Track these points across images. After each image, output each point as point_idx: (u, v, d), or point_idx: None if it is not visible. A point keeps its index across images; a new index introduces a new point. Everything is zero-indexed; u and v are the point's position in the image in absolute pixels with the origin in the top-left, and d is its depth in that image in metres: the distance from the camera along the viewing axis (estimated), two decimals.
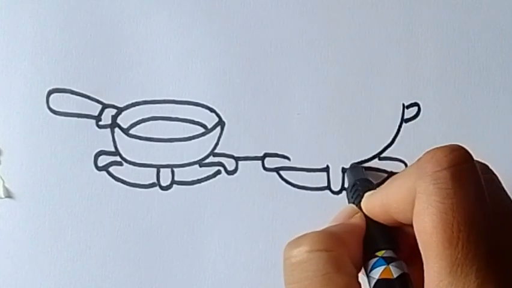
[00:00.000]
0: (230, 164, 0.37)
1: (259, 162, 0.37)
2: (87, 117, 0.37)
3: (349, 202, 0.35)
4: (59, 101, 0.37)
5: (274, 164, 0.37)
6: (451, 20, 0.38)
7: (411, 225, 0.26)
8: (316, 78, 0.37)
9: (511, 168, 0.37)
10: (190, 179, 0.37)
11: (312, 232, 0.28)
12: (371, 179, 0.35)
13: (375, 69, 0.37)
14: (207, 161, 0.37)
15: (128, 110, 0.37)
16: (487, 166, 0.30)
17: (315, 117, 0.37)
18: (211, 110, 0.37)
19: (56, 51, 0.37)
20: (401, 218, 0.28)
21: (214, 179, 0.37)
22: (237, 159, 0.37)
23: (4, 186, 0.37)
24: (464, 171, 0.25)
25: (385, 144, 0.37)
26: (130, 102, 0.37)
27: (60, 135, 0.37)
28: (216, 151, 0.37)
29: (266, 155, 0.37)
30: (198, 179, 0.37)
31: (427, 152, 0.26)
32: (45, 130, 0.37)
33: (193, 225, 0.37)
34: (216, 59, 0.37)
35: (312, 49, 0.37)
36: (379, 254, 0.29)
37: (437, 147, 0.26)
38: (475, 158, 0.26)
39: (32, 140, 0.37)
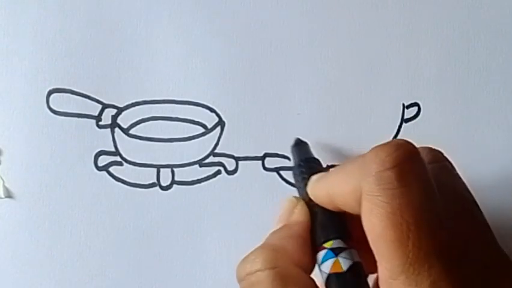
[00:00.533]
0: (230, 164, 0.37)
1: (259, 162, 0.37)
2: (87, 117, 0.37)
3: (296, 185, 0.34)
4: (59, 101, 0.37)
5: (274, 164, 0.37)
6: (451, 20, 0.38)
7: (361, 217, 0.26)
8: (317, 78, 0.37)
9: (511, 168, 0.37)
10: (190, 179, 0.37)
11: (256, 249, 0.29)
12: None
13: (375, 69, 0.37)
14: (207, 161, 0.37)
15: (128, 110, 0.37)
16: (440, 153, 0.30)
17: (315, 117, 0.37)
18: (211, 110, 0.37)
19: (56, 51, 0.37)
20: (348, 210, 0.27)
21: (214, 179, 0.37)
22: (237, 159, 0.37)
23: (4, 186, 0.37)
24: (408, 169, 0.25)
25: None
26: (130, 102, 0.37)
27: (60, 135, 0.37)
28: (216, 151, 0.37)
29: (266, 155, 0.37)
30: (198, 179, 0.37)
31: (371, 150, 0.26)
32: (46, 130, 0.37)
33: (193, 225, 0.37)
34: (216, 59, 0.37)
35: (312, 49, 0.37)
36: (327, 245, 0.28)
37: (381, 145, 0.25)
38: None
39: (32, 140, 0.37)
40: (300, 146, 0.36)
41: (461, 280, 0.24)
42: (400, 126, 0.37)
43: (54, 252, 0.37)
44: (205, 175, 0.37)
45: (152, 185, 0.37)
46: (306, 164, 0.33)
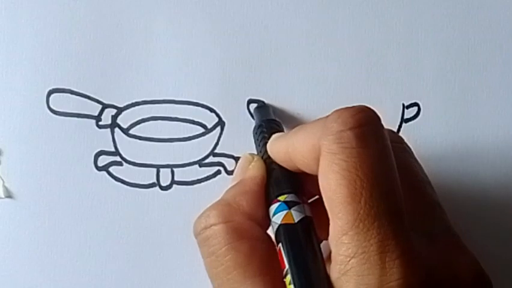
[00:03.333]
0: (230, 164, 0.37)
1: None
2: (87, 117, 0.37)
3: (255, 144, 0.34)
4: (59, 101, 0.37)
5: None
6: (451, 20, 0.38)
7: (317, 177, 0.26)
8: (317, 78, 0.37)
9: (511, 168, 0.37)
10: (190, 179, 0.37)
11: (212, 205, 0.30)
12: None
13: (375, 69, 0.37)
14: (207, 161, 0.37)
15: (128, 110, 0.37)
16: (400, 137, 0.31)
17: (315, 117, 0.37)
18: (211, 110, 0.37)
19: (56, 51, 0.37)
20: (306, 169, 0.28)
21: (214, 179, 0.37)
22: (237, 159, 0.37)
23: (4, 186, 0.37)
24: (369, 131, 0.25)
25: None
26: (130, 102, 0.37)
27: (60, 135, 0.37)
28: (216, 151, 0.37)
29: None
30: (198, 179, 0.37)
31: (334, 111, 0.27)
32: (46, 130, 0.37)
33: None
34: (216, 59, 0.37)
35: (312, 49, 0.37)
36: (281, 198, 0.29)
37: (344, 107, 0.26)
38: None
39: (32, 140, 0.37)
40: (262, 108, 0.36)
41: (408, 244, 0.24)
42: (400, 126, 0.37)
43: (54, 252, 0.37)
44: (205, 175, 0.37)
45: (152, 185, 0.37)
46: (267, 124, 0.34)
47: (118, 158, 0.37)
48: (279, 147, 0.30)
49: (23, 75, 0.37)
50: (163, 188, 0.37)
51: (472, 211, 0.37)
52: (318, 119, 0.28)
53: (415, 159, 0.30)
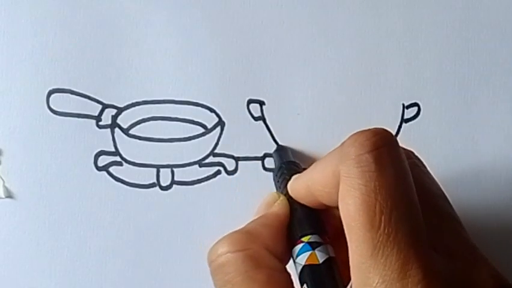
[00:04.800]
0: (230, 164, 0.37)
1: (259, 162, 0.37)
2: (87, 117, 0.37)
3: (275, 186, 0.34)
4: (59, 101, 0.37)
5: (274, 164, 0.37)
6: (451, 20, 0.38)
7: (337, 208, 0.26)
8: (317, 78, 0.37)
9: (511, 169, 0.37)
10: (190, 179, 0.37)
11: (229, 234, 0.29)
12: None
13: (375, 69, 0.37)
14: (207, 161, 0.37)
15: (128, 110, 0.37)
16: (411, 152, 0.30)
17: (315, 117, 0.37)
18: (211, 110, 0.37)
19: (56, 51, 0.37)
20: (327, 200, 0.28)
21: (214, 179, 0.37)
22: (237, 159, 0.37)
23: (4, 186, 0.37)
24: (386, 153, 0.25)
25: None
26: (130, 102, 0.37)
27: (60, 135, 0.37)
28: (216, 151, 0.37)
29: (266, 155, 0.37)
30: (198, 179, 0.37)
31: (350, 136, 0.26)
32: (46, 130, 0.37)
33: (193, 225, 0.37)
34: (216, 59, 0.37)
35: (312, 49, 0.37)
36: (304, 239, 0.29)
37: (360, 131, 0.26)
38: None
39: (33, 140, 0.37)
40: (281, 150, 0.37)
41: (429, 266, 0.24)
42: (400, 126, 0.37)
43: (55, 252, 0.37)
44: (205, 175, 0.37)
45: (152, 185, 0.37)
46: (288, 165, 0.34)
47: (118, 158, 0.37)
48: (300, 183, 0.30)
49: (23, 75, 0.37)
50: (163, 188, 0.37)
51: (471, 211, 0.37)
52: (335, 148, 0.27)
53: (428, 173, 0.30)
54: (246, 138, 0.37)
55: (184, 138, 0.37)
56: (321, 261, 0.27)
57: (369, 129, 0.26)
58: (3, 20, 0.37)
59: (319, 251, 0.28)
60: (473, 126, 0.37)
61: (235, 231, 0.29)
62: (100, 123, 0.37)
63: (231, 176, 0.37)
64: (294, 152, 0.37)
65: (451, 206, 0.29)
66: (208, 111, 0.37)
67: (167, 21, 0.37)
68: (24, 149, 0.37)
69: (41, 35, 0.37)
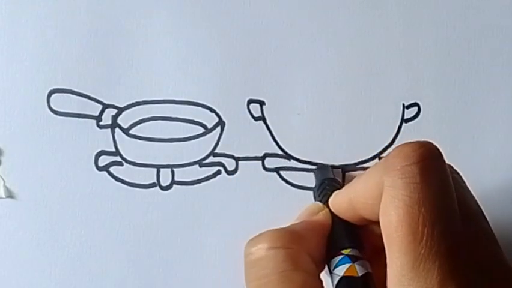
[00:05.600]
0: (230, 164, 0.37)
1: (259, 162, 0.37)
2: (87, 117, 0.37)
3: (315, 200, 0.35)
4: (59, 101, 0.37)
5: (274, 164, 0.37)
6: (451, 20, 0.38)
7: (377, 223, 0.26)
8: (317, 78, 0.37)
9: (511, 169, 0.37)
10: (190, 179, 0.37)
11: (271, 230, 0.28)
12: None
13: (375, 69, 0.37)
14: (207, 161, 0.37)
15: (128, 110, 0.37)
16: (451, 166, 0.30)
17: (315, 117, 0.37)
18: (211, 110, 0.37)
19: (56, 51, 0.37)
20: (368, 214, 0.27)
21: (214, 179, 0.37)
22: (237, 159, 0.37)
23: (5, 186, 0.37)
24: (431, 166, 0.25)
25: (385, 144, 0.37)
26: (130, 102, 0.37)
27: (61, 135, 0.37)
28: (216, 151, 0.37)
29: (266, 155, 0.37)
30: (198, 179, 0.37)
31: (396, 147, 0.26)
32: (46, 130, 0.37)
33: (193, 225, 0.37)
34: (216, 59, 0.37)
35: (312, 49, 0.37)
36: (344, 252, 0.29)
37: (406, 142, 0.26)
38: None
39: (33, 140, 0.37)
40: (323, 168, 0.37)
41: (466, 283, 0.24)
42: (400, 126, 0.37)
43: (55, 252, 0.37)
44: (205, 175, 0.37)
45: (152, 185, 0.37)
46: (329, 182, 0.34)
47: (118, 158, 0.37)
48: (341, 198, 0.30)
49: (24, 75, 0.37)
50: (163, 188, 0.37)
51: None
52: (379, 161, 0.27)
53: (467, 188, 0.30)
54: (246, 138, 0.37)
55: (184, 138, 0.37)
56: (360, 274, 0.27)
57: (415, 141, 0.26)
58: (3, 20, 0.37)
59: (358, 264, 0.28)
60: (473, 126, 0.37)
61: (279, 229, 0.29)
62: (101, 123, 0.37)
63: (231, 176, 0.37)
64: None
65: (488, 224, 0.28)
66: (208, 111, 0.37)
67: (168, 21, 0.37)
68: (24, 149, 0.37)
69: (41, 35, 0.37)
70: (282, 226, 0.30)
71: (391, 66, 0.37)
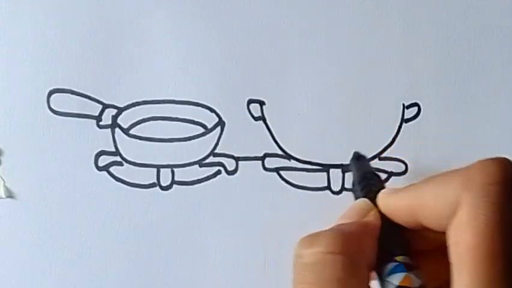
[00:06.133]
0: (230, 164, 0.37)
1: (259, 162, 0.37)
2: (87, 117, 0.37)
3: (357, 195, 0.33)
4: (59, 101, 0.37)
5: (274, 164, 0.37)
6: (451, 20, 0.38)
7: (431, 231, 0.25)
8: (317, 78, 0.37)
9: None
10: (190, 179, 0.37)
11: (327, 231, 0.27)
12: None
13: (375, 69, 0.37)
14: (207, 161, 0.37)
15: (128, 110, 0.37)
16: None
17: (315, 117, 0.37)
18: (211, 110, 0.37)
19: (56, 51, 0.37)
20: (432, 224, 0.26)
21: (214, 179, 0.37)
22: (237, 159, 0.37)
23: (5, 186, 0.37)
24: None
25: (385, 144, 0.37)
26: (130, 102, 0.37)
27: (61, 135, 0.37)
28: (216, 151, 0.37)
29: (266, 155, 0.37)
30: (198, 179, 0.37)
31: (477, 162, 0.25)
32: (46, 130, 0.37)
33: (193, 225, 0.37)
34: (216, 59, 0.37)
35: (312, 49, 0.37)
36: (398, 259, 0.27)
37: (488, 158, 0.25)
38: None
39: (33, 140, 0.37)
40: (361, 159, 0.36)
41: None
42: (400, 126, 0.37)
43: (55, 252, 0.37)
44: (205, 175, 0.37)
45: (152, 185, 0.37)
46: (373, 177, 0.33)
47: (118, 158, 0.37)
48: (400, 202, 0.28)
49: (23, 75, 0.37)
50: (163, 188, 0.37)
51: None
52: (452, 171, 0.26)
53: None
54: (246, 138, 0.37)
55: (184, 138, 0.37)
56: (416, 286, 0.26)
57: (497, 158, 0.25)
58: (3, 20, 0.37)
59: (414, 274, 0.27)
60: (473, 126, 0.37)
61: (335, 231, 0.27)
62: (101, 123, 0.37)
63: (231, 176, 0.37)
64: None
65: None
66: (208, 111, 0.37)
67: (168, 21, 0.37)
68: (24, 149, 0.37)
69: (41, 35, 0.37)
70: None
71: (391, 66, 0.37)
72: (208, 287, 0.37)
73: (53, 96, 0.37)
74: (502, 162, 0.25)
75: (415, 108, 0.37)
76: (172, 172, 0.37)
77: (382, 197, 0.29)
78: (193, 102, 0.37)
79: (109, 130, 0.37)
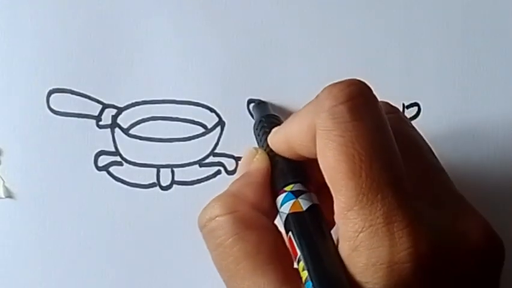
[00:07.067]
0: (230, 164, 0.37)
1: None
2: (87, 117, 0.37)
3: (257, 140, 0.34)
4: (59, 101, 0.37)
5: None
6: (450, 20, 0.38)
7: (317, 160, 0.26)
8: (317, 78, 0.37)
9: (511, 168, 0.37)
10: (190, 179, 0.37)
11: (216, 197, 0.29)
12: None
13: (375, 69, 0.37)
14: (207, 161, 0.37)
15: (128, 110, 0.37)
16: (395, 107, 0.31)
17: None
18: (211, 110, 0.37)
19: (56, 51, 0.37)
20: (306, 153, 0.28)
21: (214, 179, 0.37)
22: (237, 159, 0.37)
23: (4, 186, 0.37)
24: (361, 104, 0.25)
25: None
26: (130, 102, 0.37)
27: (60, 135, 0.37)
28: (216, 151, 0.37)
29: None
30: (198, 179, 0.37)
31: (324, 89, 0.26)
32: (46, 130, 0.37)
33: (193, 225, 0.37)
34: (216, 59, 0.37)
35: (312, 49, 0.37)
36: (287, 188, 0.29)
37: (334, 83, 0.26)
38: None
39: (33, 140, 0.37)
40: (261, 104, 0.36)
41: (415, 212, 0.24)
42: None
43: (55, 252, 0.37)
44: (205, 175, 0.37)
45: (152, 185, 0.37)
46: (267, 119, 0.34)
47: (118, 158, 0.37)
48: (279, 137, 0.30)
49: (23, 75, 0.37)
50: (163, 188, 0.37)
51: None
52: (310, 101, 0.27)
53: (413, 127, 0.30)
54: (246, 138, 0.37)
55: (184, 138, 0.37)
56: (304, 209, 0.27)
57: (343, 81, 0.26)
58: (3, 20, 0.37)
59: (302, 198, 0.28)
60: (473, 126, 0.37)
61: (222, 194, 0.29)
62: (100, 123, 0.37)
63: (231, 176, 0.37)
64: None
65: (436, 158, 0.29)
66: (208, 111, 0.37)
67: (168, 21, 0.37)
68: (24, 149, 0.37)
69: (41, 35, 0.37)
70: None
71: (391, 66, 0.37)
72: (208, 287, 0.37)
73: (52, 96, 0.37)
74: (346, 83, 0.26)
75: (415, 108, 0.37)
76: (172, 172, 0.37)
77: (269, 137, 0.31)
78: (193, 102, 0.37)
79: (108, 130, 0.37)
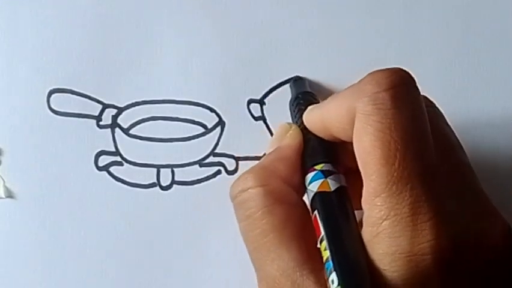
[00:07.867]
0: (230, 164, 0.37)
1: None
2: (87, 117, 0.37)
3: (291, 116, 0.35)
4: (59, 101, 0.37)
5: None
6: (451, 20, 0.38)
7: (352, 143, 0.26)
8: (317, 79, 0.37)
9: (511, 167, 0.37)
10: (190, 179, 0.37)
11: (250, 169, 0.30)
12: None
13: (375, 69, 0.37)
14: (207, 161, 0.37)
15: (128, 110, 0.37)
16: (431, 101, 0.31)
17: None
18: (211, 110, 0.37)
19: (56, 51, 0.37)
20: (342, 135, 0.28)
21: (214, 179, 0.37)
22: (237, 159, 0.37)
23: (5, 186, 0.37)
24: (403, 92, 0.26)
25: None
26: (130, 102, 0.37)
27: (61, 135, 0.37)
28: (216, 151, 0.37)
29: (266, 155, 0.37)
30: (198, 179, 0.37)
31: (368, 74, 0.27)
32: (46, 130, 0.37)
33: (193, 225, 0.37)
34: (216, 59, 0.37)
35: (312, 49, 0.37)
36: (317, 167, 0.29)
37: (378, 70, 0.27)
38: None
39: (33, 140, 0.37)
40: (299, 81, 0.36)
41: (440, 206, 0.24)
42: None
43: (55, 252, 0.37)
44: (205, 175, 0.37)
45: (152, 185, 0.37)
46: (304, 96, 0.34)
47: (118, 158, 0.37)
48: (315, 116, 0.30)
49: (23, 75, 0.37)
50: (163, 188, 0.37)
51: None
52: (352, 84, 0.28)
53: (447, 123, 0.30)
54: (246, 138, 0.37)
55: (184, 138, 0.37)
56: (332, 189, 0.28)
57: (387, 68, 0.26)
58: (3, 20, 0.37)
59: (331, 179, 0.28)
60: (473, 126, 0.37)
61: (255, 167, 0.30)
62: (101, 123, 0.37)
63: (231, 176, 0.37)
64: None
65: (466, 156, 0.29)
66: (208, 111, 0.37)
67: (168, 21, 0.37)
68: (24, 149, 0.37)
69: (41, 35, 0.37)
70: None
71: (391, 66, 0.37)
72: (208, 287, 0.37)
73: (53, 96, 0.37)
74: (390, 71, 0.26)
75: None
76: (172, 172, 0.37)
77: (305, 114, 0.32)
78: (193, 102, 0.37)
79: (109, 130, 0.37)
